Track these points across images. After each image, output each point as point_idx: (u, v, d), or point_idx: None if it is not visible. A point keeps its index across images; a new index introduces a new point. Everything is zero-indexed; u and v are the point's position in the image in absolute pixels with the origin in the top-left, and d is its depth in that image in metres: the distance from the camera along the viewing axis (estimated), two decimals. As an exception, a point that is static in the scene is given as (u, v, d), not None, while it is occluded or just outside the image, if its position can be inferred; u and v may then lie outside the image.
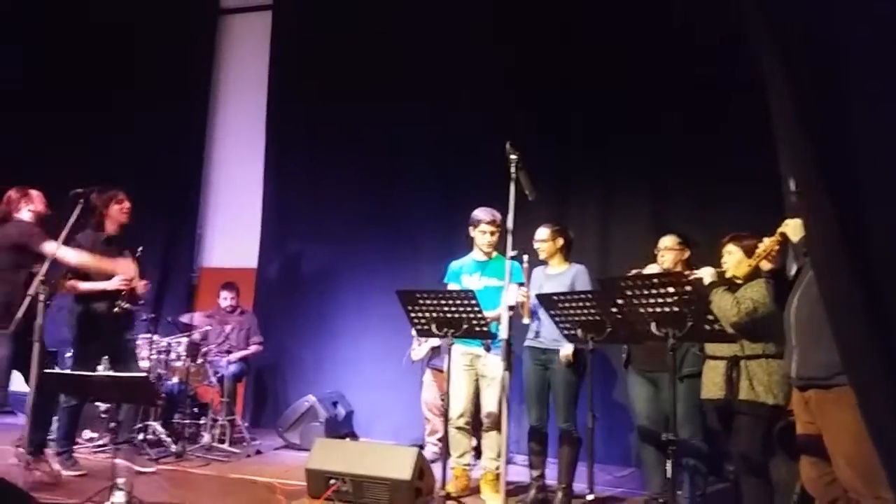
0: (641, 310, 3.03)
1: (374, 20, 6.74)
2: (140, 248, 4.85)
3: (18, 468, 3.73)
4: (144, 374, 3.52)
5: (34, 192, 4.43)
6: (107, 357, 3.84)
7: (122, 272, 4.54)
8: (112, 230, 4.69)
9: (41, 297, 3.68)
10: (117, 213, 4.67)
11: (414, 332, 5.49)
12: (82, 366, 4.21)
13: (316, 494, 4.10)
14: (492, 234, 4.52)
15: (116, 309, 4.52)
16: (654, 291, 2.97)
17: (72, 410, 4.52)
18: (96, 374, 3.48)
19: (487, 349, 4.45)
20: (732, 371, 3.48)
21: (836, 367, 2.62)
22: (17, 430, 5.43)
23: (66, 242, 4.11)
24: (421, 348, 5.64)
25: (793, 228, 2.96)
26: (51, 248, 4.07)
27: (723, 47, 5.37)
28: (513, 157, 3.69)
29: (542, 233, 4.45)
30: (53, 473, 4.26)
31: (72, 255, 4.26)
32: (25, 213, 4.39)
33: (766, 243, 3.10)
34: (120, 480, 3.54)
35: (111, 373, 3.60)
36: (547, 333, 4.28)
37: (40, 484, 4.01)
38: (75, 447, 4.69)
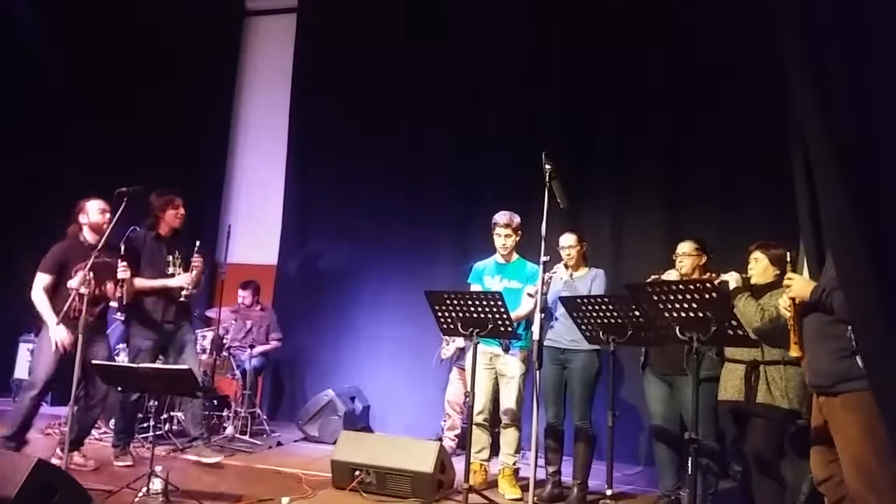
0: (666, 314, 3.15)
1: (398, 23, 6.84)
2: (198, 243, 4.82)
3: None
4: (187, 367, 3.64)
5: (90, 203, 4.45)
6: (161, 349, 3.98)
7: (180, 283, 4.69)
8: (165, 232, 4.78)
9: (84, 291, 3.85)
10: (172, 217, 4.76)
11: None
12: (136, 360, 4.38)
13: (340, 485, 4.26)
14: (506, 236, 4.57)
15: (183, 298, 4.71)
16: (679, 297, 3.07)
17: (131, 406, 4.67)
18: (141, 366, 3.63)
19: (506, 349, 4.56)
20: (751, 375, 3.58)
21: (838, 375, 2.73)
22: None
23: (117, 239, 4.27)
24: (450, 347, 5.73)
25: (798, 287, 2.92)
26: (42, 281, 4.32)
27: (735, 53, 5.50)
28: (547, 166, 3.80)
29: (570, 238, 4.51)
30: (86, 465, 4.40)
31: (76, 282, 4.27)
32: (84, 225, 4.47)
33: (786, 312, 3.05)
34: (158, 468, 3.69)
35: (155, 365, 3.76)
36: (565, 333, 4.40)
37: (79, 472, 4.12)
38: (132, 440, 4.80)
